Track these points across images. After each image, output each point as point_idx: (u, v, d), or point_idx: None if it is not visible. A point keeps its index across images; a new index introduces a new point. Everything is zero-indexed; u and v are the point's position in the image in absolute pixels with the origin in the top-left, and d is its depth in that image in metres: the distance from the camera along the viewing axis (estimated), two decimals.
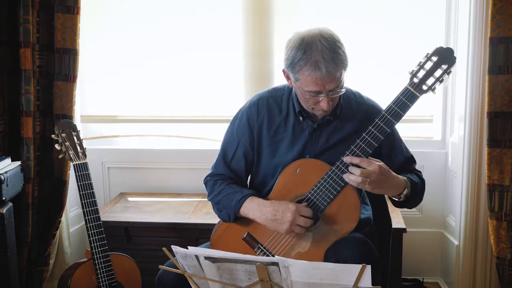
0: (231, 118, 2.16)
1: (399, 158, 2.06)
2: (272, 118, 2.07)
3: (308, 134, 2.03)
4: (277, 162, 2.05)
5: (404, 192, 1.94)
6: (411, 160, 2.11)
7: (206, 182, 2.17)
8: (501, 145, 2.53)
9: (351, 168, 1.87)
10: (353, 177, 1.86)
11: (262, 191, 2.09)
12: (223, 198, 2.06)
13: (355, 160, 1.87)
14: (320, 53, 1.82)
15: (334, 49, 1.84)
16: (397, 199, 1.98)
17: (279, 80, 3.08)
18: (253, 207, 1.98)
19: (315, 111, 1.97)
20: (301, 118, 2.04)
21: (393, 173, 1.92)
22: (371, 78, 3.09)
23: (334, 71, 1.83)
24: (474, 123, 2.72)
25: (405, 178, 1.97)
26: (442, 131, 3.18)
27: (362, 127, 1.93)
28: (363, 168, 1.85)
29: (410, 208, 2.10)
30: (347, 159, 1.88)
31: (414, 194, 1.98)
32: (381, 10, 3.12)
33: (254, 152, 2.10)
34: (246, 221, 2.02)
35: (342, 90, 1.91)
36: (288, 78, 1.98)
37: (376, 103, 2.10)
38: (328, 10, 3.13)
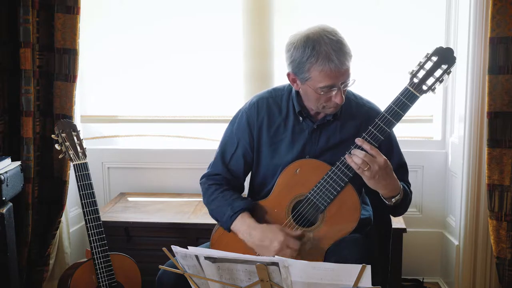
0: (231, 118, 2.16)
1: (394, 162, 2.05)
2: (272, 119, 2.07)
3: (308, 134, 2.03)
4: (277, 163, 2.04)
5: (397, 197, 1.93)
6: (404, 166, 2.10)
7: (201, 183, 2.16)
8: (501, 145, 2.53)
9: (355, 150, 1.86)
10: (356, 158, 1.84)
11: (262, 191, 2.09)
12: (215, 210, 2.06)
13: (366, 145, 1.86)
14: (329, 46, 1.84)
15: (340, 40, 1.86)
16: (387, 202, 1.96)
17: (279, 80, 3.08)
18: (242, 229, 1.95)
19: (326, 109, 1.96)
20: (301, 118, 2.04)
21: (394, 175, 1.91)
22: (371, 78, 3.09)
23: (345, 61, 1.85)
24: (474, 123, 2.72)
25: (401, 184, 1.96)
26: (442, 131, 3.17)
27: (362, 128, 1.93)
28: (370, 155, 1.84)
29: (394, 216, 2.12)
30: (358, 141, 1.87)
31: (403, 203, 1.98)
32: (381, 10, 3.12)
33: (254, 153, 2.09)
34: None
35: (352, 80, 1.92)
36: (294, 81, 1.98)
37: (376, 106, 2.10)
38: (328, 10, 3.13)
